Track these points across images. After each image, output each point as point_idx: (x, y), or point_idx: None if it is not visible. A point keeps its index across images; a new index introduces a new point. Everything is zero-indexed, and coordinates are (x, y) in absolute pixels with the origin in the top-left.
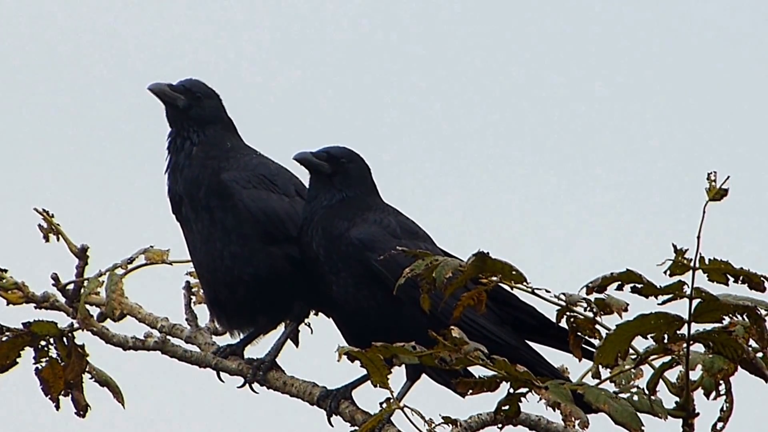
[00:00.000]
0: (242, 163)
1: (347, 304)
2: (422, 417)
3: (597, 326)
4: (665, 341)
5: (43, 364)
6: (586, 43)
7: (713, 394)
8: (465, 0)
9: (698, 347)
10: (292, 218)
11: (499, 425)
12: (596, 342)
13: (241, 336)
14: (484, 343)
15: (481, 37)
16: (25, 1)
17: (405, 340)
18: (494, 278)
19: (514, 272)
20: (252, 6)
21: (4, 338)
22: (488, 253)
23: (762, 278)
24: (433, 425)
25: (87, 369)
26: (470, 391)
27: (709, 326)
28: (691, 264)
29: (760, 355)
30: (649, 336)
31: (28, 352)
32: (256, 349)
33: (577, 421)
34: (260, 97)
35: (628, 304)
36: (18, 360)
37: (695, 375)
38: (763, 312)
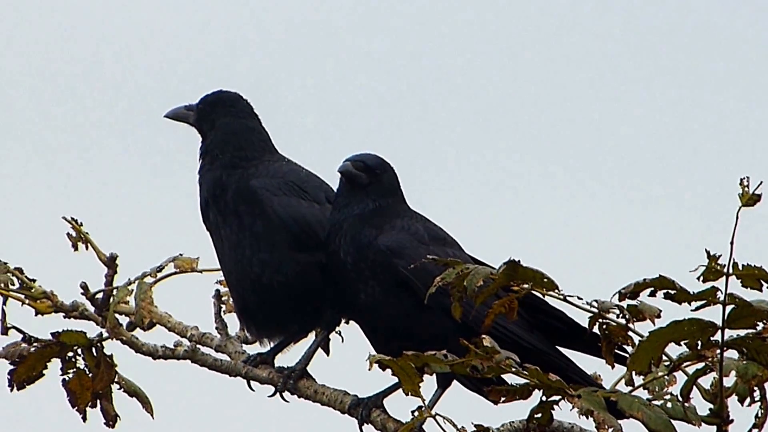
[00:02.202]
0: (272, 169)
1: (375, 312)
2: (454, 425)
3: (630, 333)
4: (699, 348)
5: (70, 375)
6: (620, 48)
7: (747, 400)
8: (493, 8)
9: (732, 353)
10: (322, 225)
11: None
12: (629, 349)
13: (272, 345)
14: (514, 348)
15: (510, 40)
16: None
17: (433, 348)
18: (525, 286)
19: (545, 280)
20: (266, 10)
21: (32, 349)
22: (519, 260)
23: None
24: None
25: (116, 379)
26: (503, 398)
27: (742, 332)
28: (725, 270)
29: None
30: (682, 342)
31: (55, 363)
32: (287, 358)
33: (610, 429)
34: (277, 99)
35: (660, 311)
36: (44, 372)
37: (729, 381)
38: None
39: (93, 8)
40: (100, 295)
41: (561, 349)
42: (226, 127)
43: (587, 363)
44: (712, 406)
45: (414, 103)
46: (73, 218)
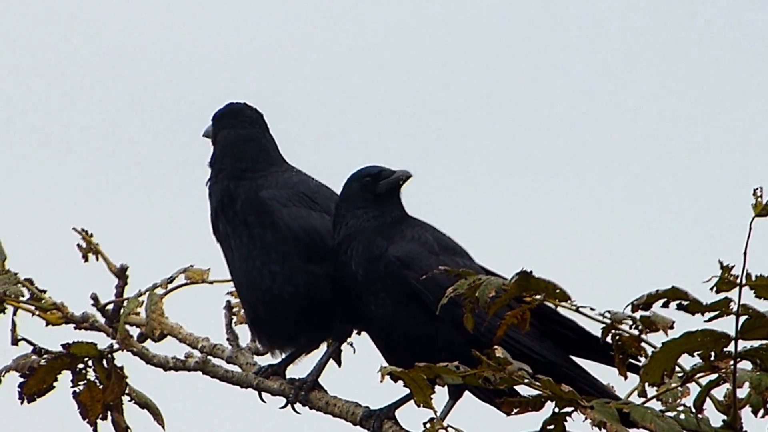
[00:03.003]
0: (282, 180)
1: (386, 324)
2: None
3: (643, 344)
4: (712, 359)
5: (81, 387)
6: (635, 59)
7: (761, 411)
8: (508, 16)
9: (745, 364)
10: (332, 236)
11: None
12: (642, 360)
13: (283, 356)
14: (526, 359)
15: (525, 51)
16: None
17: (444, 359)
18: (538, 297)
19: (557, 291)
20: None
21: (42, 361)
22: (531, 271)
23: None
24: None
25: (126, 390)
26: (515, 410)
27: (756, 343)
28: (738, 280)
29: None
30: (695, 353)
31: (66, 375)
32: (298, 369)
33: None
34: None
35: (674, 322)
36: (55, 384)
37: (743, 392)
38: None
39: (107, 22)
40: (110, 307)
41: (574, 358)
42: (224, 139)
43: (600, 373)
44: (725, 417)
45: (424, 113)
46: (83, 229)
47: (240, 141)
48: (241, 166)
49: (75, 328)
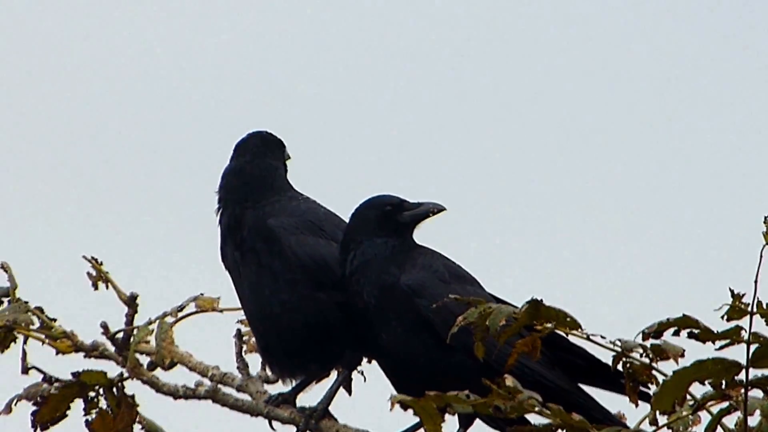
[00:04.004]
0: (290, 208)
1: (397, 352)
2: None
3: (653, 372)
4: (723, 387)
5: (93, 416)
6: (650, 83)
7: None
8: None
9: (756, 393)
10: (340, 259)
11: None
12: (653, 388)
13: (293, 384)
14: (537, 387)
15: (540, 67)
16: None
17: (456, 388)
18: (549, 325)
19: (568, 319)
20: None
21: (53, 390)
22: (542, 299)
23: None
24: None
25: (137, 419)
26: None
27: (767, 371)
28: (749, 308)
29: None
30: (706, 382)
31: (78, 404)
32: (309, 397)
33: None
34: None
35: (684, 350)
36: (67, 412)
37: (754, 421)
38: None
39: (116, 40)
40: (120, 335)
41: (583, 387)
42: (224, 171)
43: (611, 401)
44: None
45: (430, 139)
46: (93, 257)
47: (245, 170)
48: (247, 193)
49: (85, 356)
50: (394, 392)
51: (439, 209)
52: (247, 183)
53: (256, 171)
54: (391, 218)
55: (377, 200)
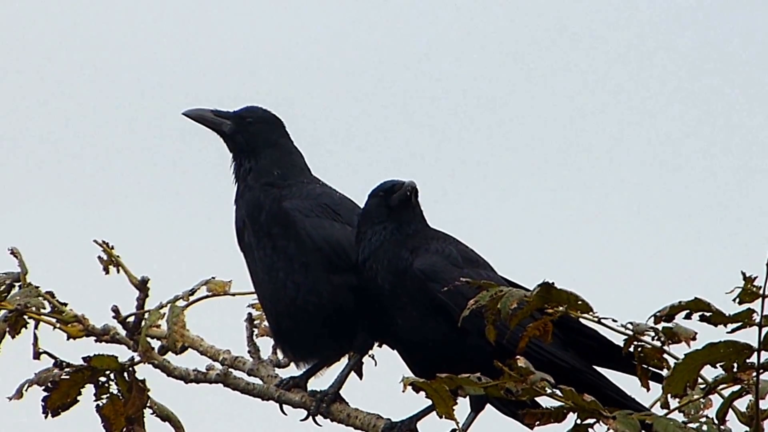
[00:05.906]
0: (305, 191)
1: (412, 336)
2: None
3: (665, 355)
4: (735, 370)
5: (104, 401)
6: (659, 69)
7: None
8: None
9: None
10: (354, 248)
11: None
12: (664, 371)
13: (305, 368)
14: (549, 367)
15: (544, 63)
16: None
17: (470, 371)
18: (560, 308)
19: (579, 302)
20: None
21: (64, 375)
22: (553, 283)
23: None
24: None
25: (148, 403)
26: (538, 422)
27: None
28: (761, 291)
29: None
30: (718, 365)
31: (89, 389)
32: (320, 381)
33: None
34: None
35: (696, 333)
36: (78, 398)
37: (765, 404)
38: None
39: (125, 32)
40: (131, 319)
41: (597, 368)
42: (281, 148)
43: (622, 383)
44: (748, 428)
45: (441, 124)
46: (104, 241)
47: (288, 153)
48: (283, 176)
49: (96, 340)
50: (408, 374)
51: (410, 187)
52: (283, 165)
53: (292, 154)
54: (384, 203)
55: (374, 189)
